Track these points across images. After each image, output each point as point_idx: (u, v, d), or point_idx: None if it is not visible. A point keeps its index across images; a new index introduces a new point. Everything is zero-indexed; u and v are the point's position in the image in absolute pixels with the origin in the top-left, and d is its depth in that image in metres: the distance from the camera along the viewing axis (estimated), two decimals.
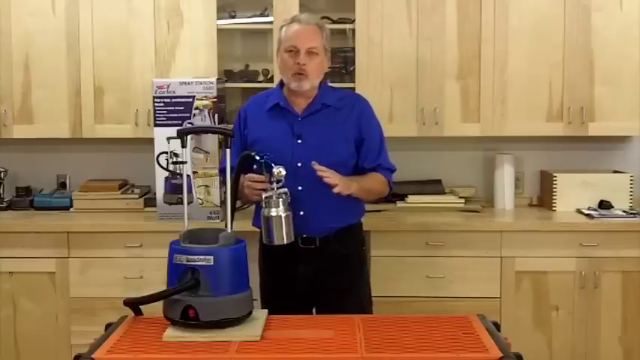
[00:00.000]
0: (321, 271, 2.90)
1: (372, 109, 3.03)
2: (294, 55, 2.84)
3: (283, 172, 2.63)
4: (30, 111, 4.02)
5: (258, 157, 2.69)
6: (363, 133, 2.93)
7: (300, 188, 2.78)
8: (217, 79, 3.83)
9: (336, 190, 2.69)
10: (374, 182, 2.94)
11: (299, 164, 2.80)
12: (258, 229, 2.93)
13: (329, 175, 2.70)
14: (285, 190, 2.66)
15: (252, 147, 2.86)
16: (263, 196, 2.66)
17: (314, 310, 2.96)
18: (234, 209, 2.70)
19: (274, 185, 2.65)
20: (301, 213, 2.78)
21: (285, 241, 2.68)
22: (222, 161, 2.94)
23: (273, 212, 2.65)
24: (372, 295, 3.08)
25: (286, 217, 2.66)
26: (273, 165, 2.65)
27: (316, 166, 2.70)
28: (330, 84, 3.17)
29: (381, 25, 3.94)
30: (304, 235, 2.84)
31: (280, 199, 2.64)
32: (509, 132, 4.00)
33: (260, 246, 2.97)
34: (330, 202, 2.81)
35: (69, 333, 3.79)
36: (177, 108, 3.74)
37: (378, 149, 2.97)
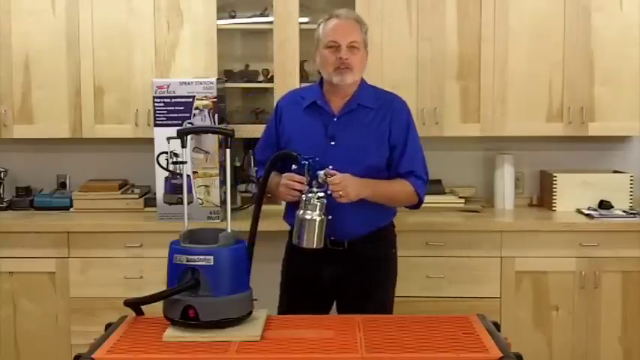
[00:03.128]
0: (347, 273, 2.88)
1: (410, 112, 2.97)
2: (335, 51, 2.80)
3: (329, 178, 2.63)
4: (30, 111, 4.02)
5: (300, 158, 2.66)
6: (397, 137, 2.86)
7: (329, 192, 2.74)
8: (217, 79, 3.83)
9: (341, 200, 2.67)
10: (395, 189, 2.87)
11: (330, 167, 2.74)
12: (289, 226, 2.93)
13: (338, 189, 2.66)
14: (324, 194, 2.64)
15: (284, 143, 2.86)
16: (303, 197, 2.63)
17: (334, 309, 2.95)
18: (260, 204, 2.69)
19: (314, 189, 2.63)
20: (329, 217, 2.72)
21: (314, 246, 2.66)
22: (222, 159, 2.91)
23: (308, 215, 2.63)
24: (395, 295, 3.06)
25: (320, 221, 2.63)
26: (319, 168, 2.64)
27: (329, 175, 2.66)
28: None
29: (381, 25, 3.94)
30: (332, 238, 2.81)
31: (318, 204, 2.62)
32: (509, 132, 4.00)
33: (288, 243, 2.96)
34: (359, 206, 2.78)
35: (69, 333, 3.79)
36: (177, 108, 3.74)
37: (412, 155, 2.90)
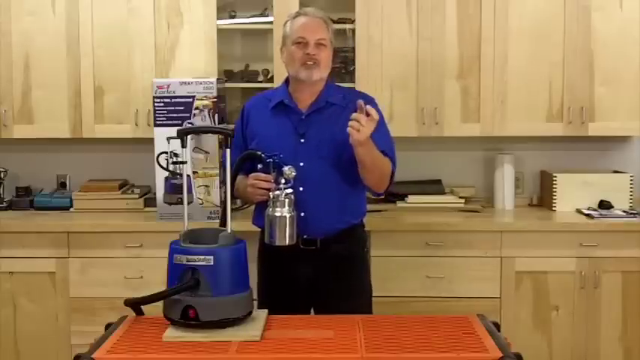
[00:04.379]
0: (321, 273, 2.87)
1: (378, 106, 2.93)
2: (302, 47, 2.81)
3: (294, 173, 2.62)
4: (30, 111, 4.02)
5: (264, 156, 2.67)
6: None
7: (301, 189, 2.74)
8: (217, 79, 3.83)
9: (355, 136, 2.61)
10: (383, 161, 2.82)
11: (301, 164, 2.77)
12: (258, 229, 2.92)
13: (359, 126, 2.60)
14: (292, 190, 2.64)
15: (254, 144, 2.85)
16: (270, 195, 2.63)
17: (312, 312, 2.93)
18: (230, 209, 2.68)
19: (282, 185, 2.63)
20: (302, 214, 2.75)
21: (287, 243, 2.66)
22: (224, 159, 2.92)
23: (278, 212, 2.62)
24: (373, 295, 3.05)
25: (291, 218, 2.63)
26: (283, 164, 2.63)
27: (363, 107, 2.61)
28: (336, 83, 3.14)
29: (381, 25, 3.94)
30: (305, 236, 2.82)
31: (287, 200, 2.63)
32: (509, 132, 4.00)
33: (259, 246, 2.95)
34: (331, 202, 2.81)
35: (69, 333, 3.79)
36: (177, 108, 3.74)
37: (384, 139, 2.85)
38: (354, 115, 2.63)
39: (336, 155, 2.81)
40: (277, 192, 2.63)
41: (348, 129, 2.63)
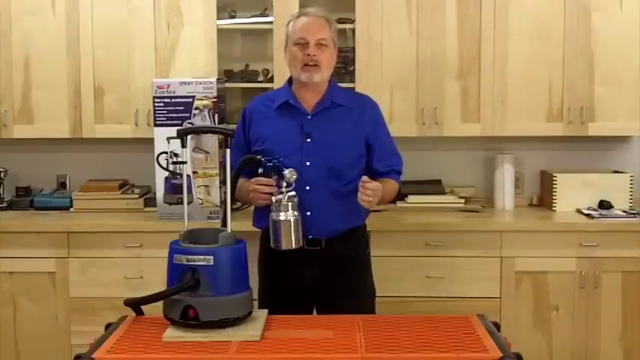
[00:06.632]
0: (325, 274, 2.87)
1: (380, 111, 3.00)
2: (303, 48, 2.81)
3: (295, 176, 2.58)
4: (30, 111, 4.02)
5: (264, 161, 2.62)
6: (373, 137, 2.89)
7: (307, 188, 2.75)
8: (217, 79, 3.83)
9: (363, 204, 2.68)
10: (391, 192, 2.91)
11: (307, 163, 2.78)
12: (258, 230, 2.92)
13: (370, 196, 2.66)
14: (294, 193, 2.61)
15: (259, 146, 2.84)
16: (273, 200, 2.60)
17: (314, 313, 2.93)
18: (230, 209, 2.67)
19: (284, 189, 2.59)
20: (307, 213, 2.74)
21: (293, 246, 2.63)
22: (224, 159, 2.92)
23: (282, 216, 2.59)
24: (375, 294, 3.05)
25: (295, 221, 2.60)
26: (283, 168, 2.59)
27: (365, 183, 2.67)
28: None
29: (381, 25, 3.94)
30: (310, 237, 2.80)
31: (290, 203, 2.59)
32: (509, 132, 4.00)
33: (261, 247, 2.95)
34: (336, 202, 2.81)
35: (69, 333, 3.79)
36: (177, 108, 3.74)
37: (390, 152, 2.96)
38: (361, 186, 2.66)
39: (342, 156, 2.81)
40: (280, 196, 2.60)
41: (360, 201, 2.67)
